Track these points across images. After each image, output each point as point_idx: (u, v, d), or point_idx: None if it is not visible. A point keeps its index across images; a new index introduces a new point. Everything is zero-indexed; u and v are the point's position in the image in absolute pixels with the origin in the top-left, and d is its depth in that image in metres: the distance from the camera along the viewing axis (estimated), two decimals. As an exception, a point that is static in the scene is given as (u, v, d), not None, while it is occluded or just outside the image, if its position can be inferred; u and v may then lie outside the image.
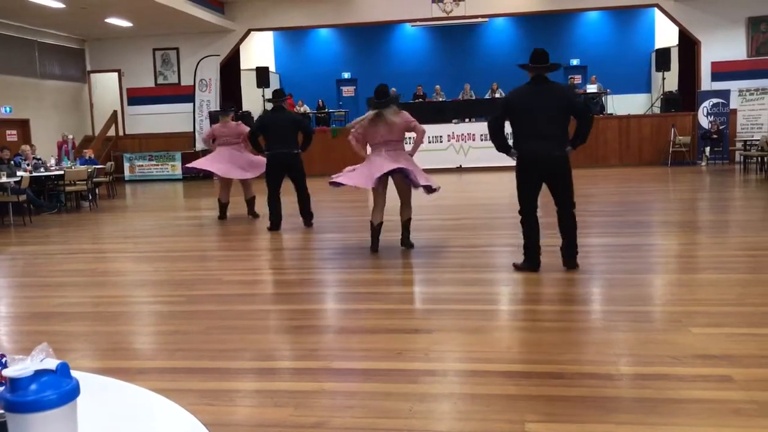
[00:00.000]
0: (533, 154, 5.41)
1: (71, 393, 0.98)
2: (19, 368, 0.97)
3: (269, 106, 9.36)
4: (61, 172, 11.92)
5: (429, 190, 6.76)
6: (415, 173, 6.53)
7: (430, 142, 17.44)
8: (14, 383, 0.96)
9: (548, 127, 5.37)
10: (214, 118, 17.78)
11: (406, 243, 6.91)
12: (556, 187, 5.55)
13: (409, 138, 8.34)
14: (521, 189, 5.59)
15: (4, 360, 1.18)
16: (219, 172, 9.67)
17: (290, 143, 8.43)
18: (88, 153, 14.41)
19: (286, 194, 8.84)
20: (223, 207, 9.87)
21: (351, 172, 6.79)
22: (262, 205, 9.30)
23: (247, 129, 9.43)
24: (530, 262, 5.66)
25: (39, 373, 0.98)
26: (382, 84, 6.87)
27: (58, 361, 1.00)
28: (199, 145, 18.15)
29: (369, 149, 6.98)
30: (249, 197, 9.88)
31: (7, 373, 0.97)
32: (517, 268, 5.71)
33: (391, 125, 6.61)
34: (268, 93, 19.48)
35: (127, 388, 1.29)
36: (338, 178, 6.77)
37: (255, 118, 8.67)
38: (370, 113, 6.65)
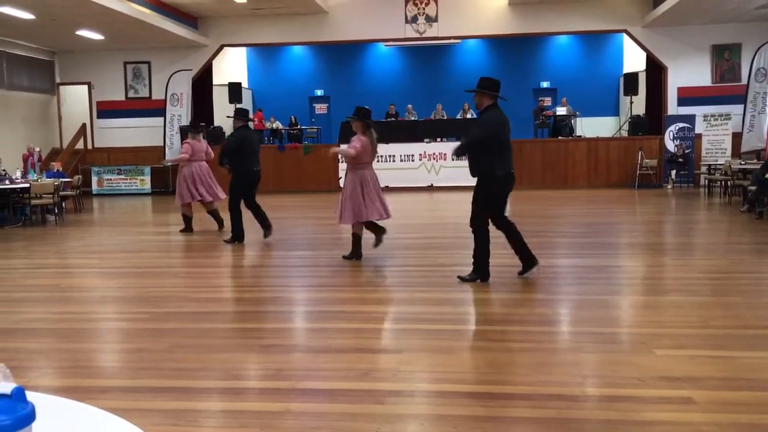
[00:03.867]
0: (511, 175, 5.91)
1: (26, 418, 0.96)
2: (-28, 392, 0.94)
3: (228, 123, 9.77)
4: (27, 185, 11.71)
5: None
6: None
7: (402, 161, 17.52)
8: (-33, 408, 0.94)
9: (510, 148, 5.94)
10: (184, 132, 17.67)
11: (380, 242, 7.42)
12: (505, 201, 6.08)
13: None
14: (494, 205, 5.95)
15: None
16: (202, 198, 9.91)
17: (258, 161, 8.77)
18: (56, 166, 14.19)
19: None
20: (189, 221, 10.06)
21: (352, 207, 7.12)
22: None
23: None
24: (485, 273, 5.99)
25: (-7, 398, 0.96)
26: (364, 106, 7.38)
27: (13, 385, 0.98)
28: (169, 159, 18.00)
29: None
30: (213, 209, 10.07)
31: (-40, 397, 0.95)
32: (467, 280, 5.99)
33: (374, 146, 7.22)
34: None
35: (85, 410, 1.27)
36: (348, 218, 7.17)
37: (227, 136, 8.82)
38: (369, 134, 7.16)
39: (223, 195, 9.87)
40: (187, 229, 10.06)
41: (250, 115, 9.06)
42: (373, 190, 7.16)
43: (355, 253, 7.34)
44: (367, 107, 7.30)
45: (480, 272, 6.00)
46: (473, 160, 5.92)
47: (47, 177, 13.07)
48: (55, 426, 1.14)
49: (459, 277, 6.07)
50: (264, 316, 5.33)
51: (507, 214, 6.17)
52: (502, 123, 5.83)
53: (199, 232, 9.99)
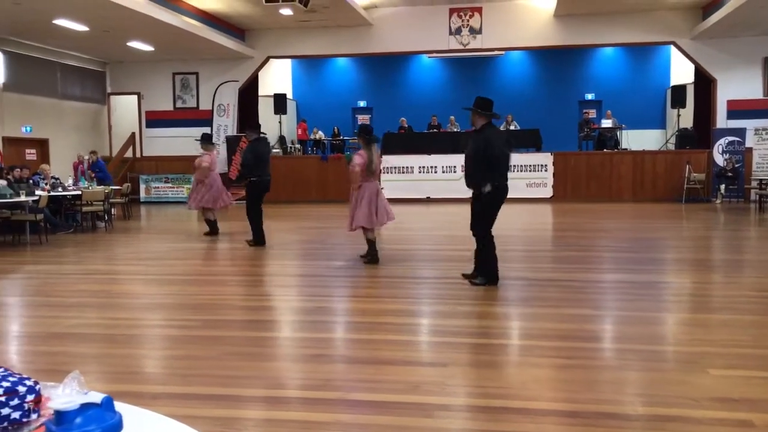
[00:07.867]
0: (505, 188, 6.32)
1: (114, 427, 1.00)
2: (65, 401, 0.98)
3: (242, 136, 10.94)
4: (79, 192, 12.03)
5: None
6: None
7: (444, 172, 17.50)
8: (60, 416, 0.98)
9: (507, 164, 6.38)
10: (230, 142, 17.97)
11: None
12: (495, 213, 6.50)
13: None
14: (493, 217, 6.39)
15: (37, 387, 1.19)
16: (224, 204, 11.06)
17: (269, 170, 9.63)
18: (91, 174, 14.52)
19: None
20: (213, 224, 10.93)
21: (364, 214, 7.72)
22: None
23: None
24: (494, 277, 6.41)
25: (84, 407, 0.99)
26: (367, 124, 7.96)
27: (102, 395, 1.02)
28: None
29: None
30: (215, 218, 11.01)
31: (53, 405, 0.99)
32: (477, 284, 6.41)
33: (378, 161, 7.85)
34: (285, 119, 19.77)
35: (161, 420, 1.30)
36: (358, 224, 7.80)
37: (246, 148, 9.72)
38: (368, 149, 7.73)
39: (229, 200, 11.07)
40: (212, 232, 10.83)
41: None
42: (359, 200, 7.69)
43: (370, 256, 7.91)
44: (368, 124, 7.83)
45: (487, 276, 6.44)
46: (467, 175, 6.43)
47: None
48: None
49: (464, 275, 6.62)
50: (311, 325, 5.37)
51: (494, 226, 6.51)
52: (491, 140, 6.18)
53: (241, 241, 10.11)
